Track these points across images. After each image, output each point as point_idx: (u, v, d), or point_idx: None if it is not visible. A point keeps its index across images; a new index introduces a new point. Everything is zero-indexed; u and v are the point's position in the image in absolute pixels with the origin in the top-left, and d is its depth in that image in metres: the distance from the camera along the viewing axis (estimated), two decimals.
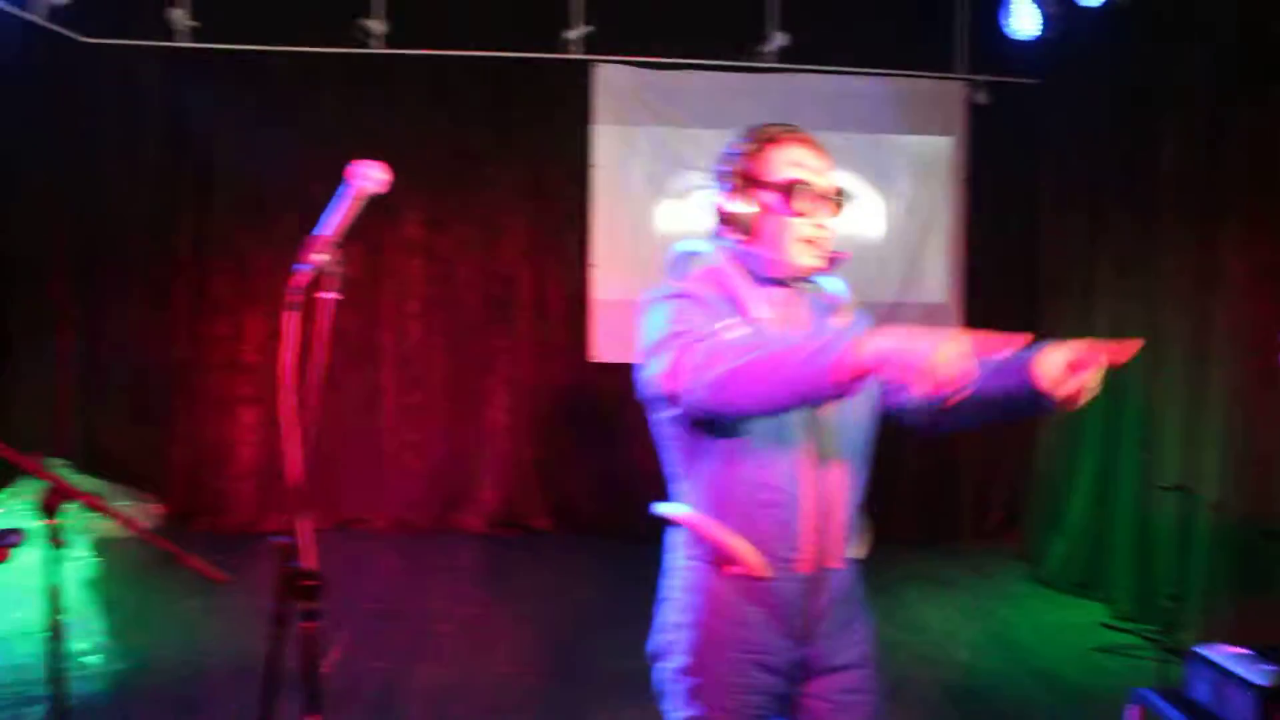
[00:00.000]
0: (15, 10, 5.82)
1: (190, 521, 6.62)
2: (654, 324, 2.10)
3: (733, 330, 2.04)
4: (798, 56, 6.72)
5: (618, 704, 4.15)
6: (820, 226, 2.18)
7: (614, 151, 6.77)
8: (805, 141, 2.23)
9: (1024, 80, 6.77)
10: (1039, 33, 6.15)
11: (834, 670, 2.22)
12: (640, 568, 6.02)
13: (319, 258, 1.99)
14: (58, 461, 5.95)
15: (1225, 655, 3.25)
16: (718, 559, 2.16)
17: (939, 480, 7.10)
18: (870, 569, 2.30)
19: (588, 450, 6.95)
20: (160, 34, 6.46)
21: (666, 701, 2.25)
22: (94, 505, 2.28)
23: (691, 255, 2.28)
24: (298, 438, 1.98)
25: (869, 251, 6.81)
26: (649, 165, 6.80)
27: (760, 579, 2.13)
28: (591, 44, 6.65)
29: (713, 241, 2.29)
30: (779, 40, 6.67)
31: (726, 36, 6.75)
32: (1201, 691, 3.31)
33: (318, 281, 2.00)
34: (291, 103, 6.68)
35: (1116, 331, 5.80)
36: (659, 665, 2.28)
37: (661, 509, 2.27)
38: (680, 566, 2.25)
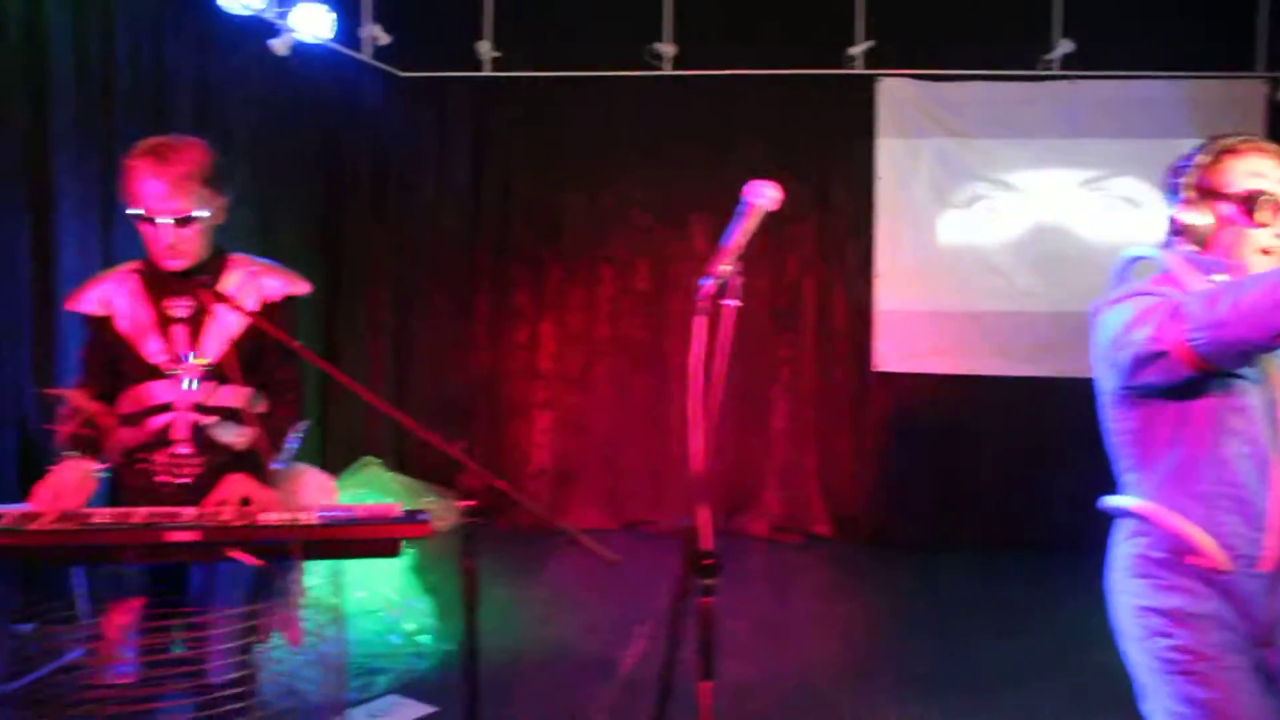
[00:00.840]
0: (347, 50, 6.42)
1: (490, 519, 7.07)
2: (1116, 320, 2.17)
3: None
4: (1083, 63, 6.69)
5: (909, 702, 4.28)
6: (1273, 238, 2.20)
7: (897, 163, 6.88)
8: (1265, 151, 2.25)
9: None
10: None
11: None
12: (925, 576, 6.18)
13: (724, 269, 2.18)
14: (373, 459, 6.52)
15: None
16: (1177, 550, 2.17)
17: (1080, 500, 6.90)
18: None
19: (868, 458, 7.08)
20: (469, 65, 6.98)
21: (1153, 688, 2.23)
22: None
23: (1141, 260, 2.34)
24: (702, 432, 2.20)
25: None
26: (932, 176, 6.88)
27: (1220, 572, 2.13)
28: (875, 58, 6.80)
29: (1164, 250, 2.34)
30: (1064, 47, 6.65)
31: (1009, 46, 6.76)
32: None
33: (722, 290, 2.20)
34: (586, 125, 7.08)
35: None
36: (1135, 655, 2.26)
37: (1111, 501, 2.31)
38: (1131, 557, 2.26)
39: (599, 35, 6.99)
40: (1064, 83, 6.76)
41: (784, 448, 7.16)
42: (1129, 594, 2.26)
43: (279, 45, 5.77)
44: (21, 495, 2.65)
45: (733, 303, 2.13)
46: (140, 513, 2.55)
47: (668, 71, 6.90)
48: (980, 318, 6.90)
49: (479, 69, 6.97)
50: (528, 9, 6.97)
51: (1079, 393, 6.80)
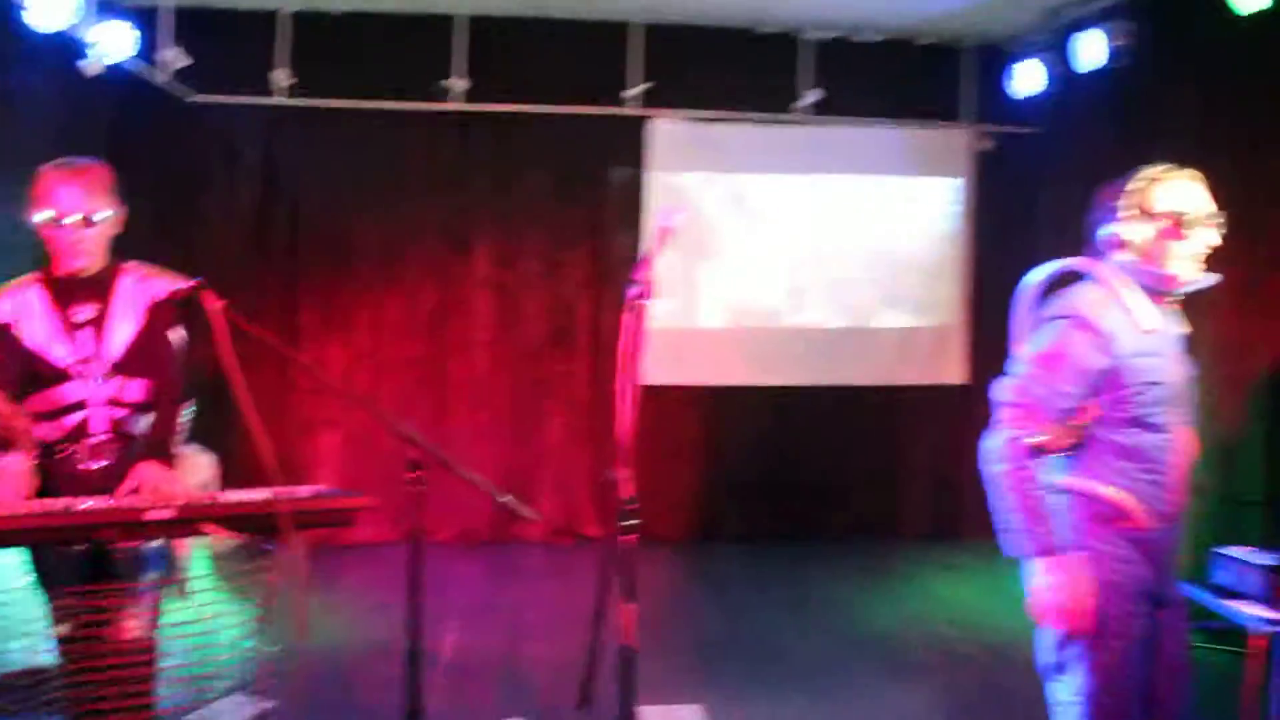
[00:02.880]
0: (143, 71, 6.52)
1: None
2: (1040, 340, 2.77)
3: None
4: (828, 110, 7.60)
5: (687, 670, 4.95)
6: (1203, 245, 2.75)
7: (665, 195, 7.57)
8: (1190, 177, 2.78)
9: (1026, 130, 7.72)
10: (1041, 89, 7.07)
11: (1172, 602, 2.81)
12: (690, 566, 6.84)
13: (642, 276, 2.72)
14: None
15: (1239, 551, 4.05)
16: (1109, 516, 2.72)
17: (946, 483, 7.97)
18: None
19: (636, 464, 7.68)
20: (263, 91, 7.18)
21: (1062, 646, 2.76)
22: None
23: (1078, 275, 2.84)
24: (628, 407, 2.73)
25: (890, 280, 7.69)
26: (696, 207, 7.61)
27: (1144, 529, 2.72)
28: (647, 99, 7.47)
29: (1100, 261, 2.83)
30: (811, 96, 7.55)
31: (765, 92, 7.61)
32: (1224, 578, 4.08)
33: (641, 293, 2.74)
34: (377, 154, 7.41)
35: None
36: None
37: (1051, 478, 2.78)
38: (1070, 525, 2.75)
39: (390, 69, 7.35)
40: (812, 126, 7.66)
41: (559, 457, 7.67)
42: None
43: (89, 66, 5.84)
44: None
45: (649, 301, 2.65)
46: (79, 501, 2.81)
47: (455, 106, 7.33)
48: (736, 333, 7.69)
49: (273, 96, 7.18)
50: (323, 41, 7.23)
51: (821, 399, 7.76)
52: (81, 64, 5.82)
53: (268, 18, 7.17)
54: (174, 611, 3.09)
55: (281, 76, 7.13)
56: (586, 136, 7.54)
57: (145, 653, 2.95)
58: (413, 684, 2.88)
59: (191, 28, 6.83)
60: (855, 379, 7.77)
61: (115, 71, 6.16)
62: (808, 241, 7.72)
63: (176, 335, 3.19)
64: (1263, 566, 3.44)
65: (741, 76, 7.58)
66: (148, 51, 6.54)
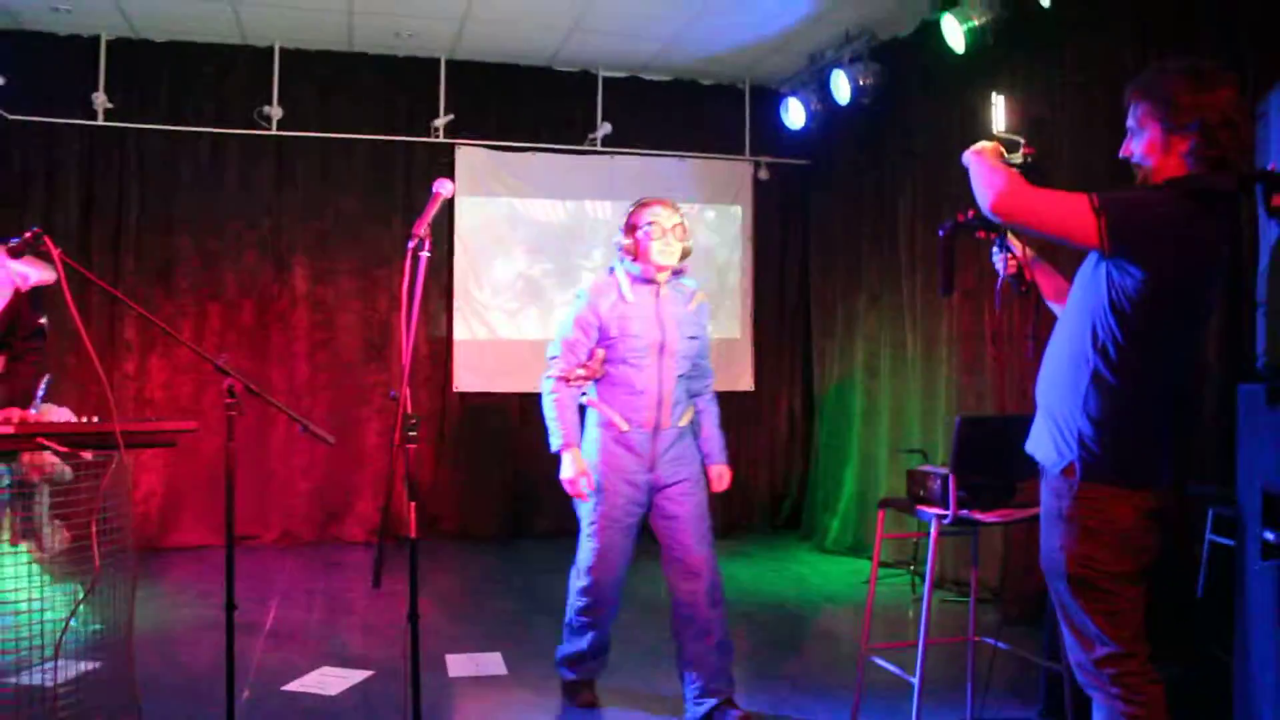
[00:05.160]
0: None
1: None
2: (566, 317, 4.23)
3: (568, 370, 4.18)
4: (619, 141, 8.39)
5: (500, 639, 5.47)
6: (668, 246, 4.14)
7: (472, 217, 8.22)
8: (660, 202, 4.23)
9: (796, 161, 8.67)
10: (804, 124, 7.99)
11: (671, 485, 4.18)
12: (502, 560, 7.40)
13: (417, 236, 3.36)
14: None
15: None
16: (606, 423, 4.18)
17: (741, 487, 8.73)
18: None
19: (448, 467, 8.27)
20: (83, 114, 7.56)
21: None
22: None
23: (598, 277, 4.36)
24: (409, 338, 3.35)
25: None
26: (499, 229, 8.26)
27: (625, 432, 4.14)
28: (454, 130, 8.14)
29: (614, 261, 4.28)
30: (604, 129, 8.32)
31: (563, 124, 8.38)
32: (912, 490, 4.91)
33: (417, 250, 3.38)
34: (196, 175, 7.83)
35: (871, 346, 7.65)
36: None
37: (583, 400, 4.23)
38: (594, 428, 4.23)
39: (212, 95, 7.83)
40: (604, 156, 8.43)
41: (376, 461, 8.17)
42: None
43: None
44: None
45: (424, 256, 3.29)
46: None
47: (273, 132, 7.84)
48: (534, 344, 8.33)
49: (94, 118, 7.55)
50: (142, 66, 7.66)
51: None
52: None
53: (89, 43, 7.57)
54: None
55: (100, 99, 7.50)
56: (399, 162, 8.15)
57: None
58: (229, 642, 3.31)
59: (10, 48, 7.20)
60: None
61: None
62: (605, 260, 8.43)
63: (32, 313, 3.66)
64: (940, 475, 4.18)
65: (540, 110, 8.37)
66: None
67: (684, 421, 4.29)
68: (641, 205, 4.21)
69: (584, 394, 4.24)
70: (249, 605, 5.58)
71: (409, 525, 3.30)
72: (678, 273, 4.28)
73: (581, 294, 4.22)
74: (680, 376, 4.22)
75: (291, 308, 8.05)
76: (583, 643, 4.36)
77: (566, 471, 4.09)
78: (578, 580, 4.30)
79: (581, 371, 4.15)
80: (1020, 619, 5.42)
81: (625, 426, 4.13)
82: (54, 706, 3.19)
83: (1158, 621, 2.86)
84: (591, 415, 4.25)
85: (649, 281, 4.18)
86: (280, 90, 7.85)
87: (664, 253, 4.12)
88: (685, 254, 4.25)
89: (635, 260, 4.16)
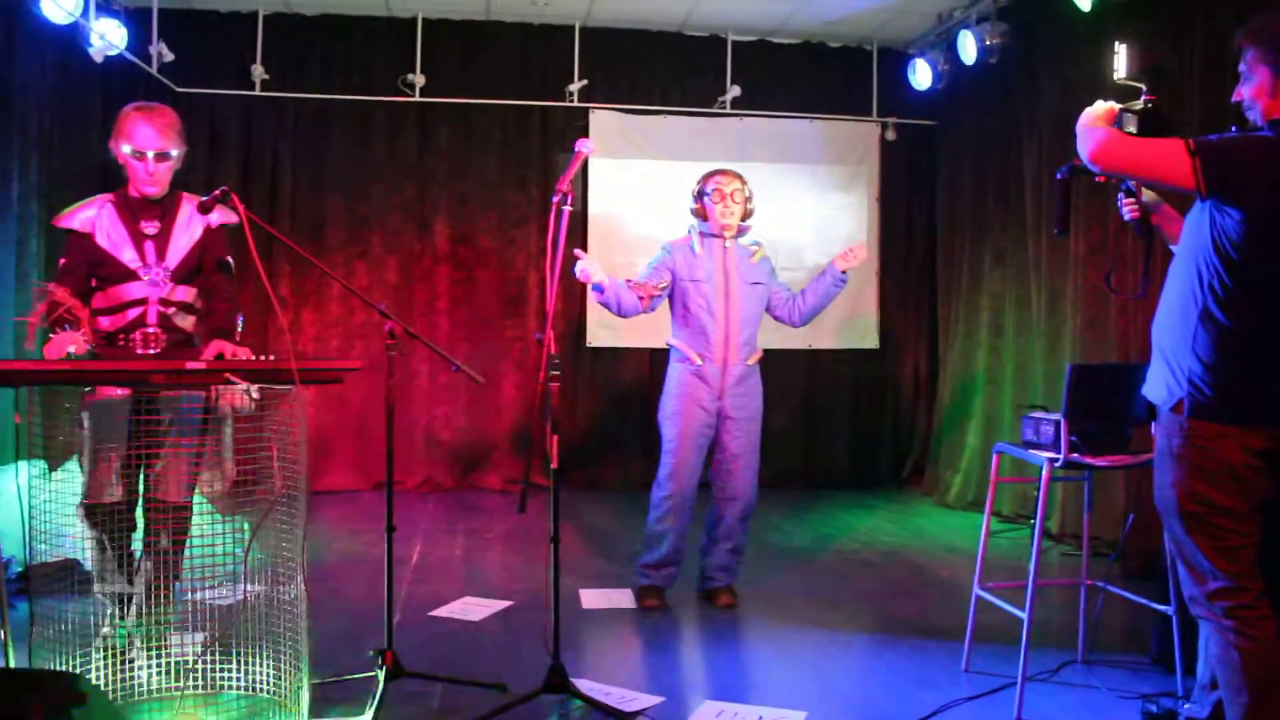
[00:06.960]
0: (137, 61, 7.36)
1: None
2: (653, 259, 5.13)
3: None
4: (748, 104, 8.57)
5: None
6: (728, 208, 5.01)
7: (605, 178, 8.50)
8: (722, 172, 5.10)
9: (923, 121, 8.75)
10: (930, 85, 8.06)
11: (735, 419, 5.00)
12: (629, 510, 7.70)
13: (561, 191, 3.65)
14: None
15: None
16: (682, 357, 5.01)
17: (867, 443, 8.93)
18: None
19: (582, 419, 8.60)
20: (242, 85, 8.07)
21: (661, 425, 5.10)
22: None
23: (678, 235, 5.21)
24: (554, 297, 3.65)
25: (813, 255, 8.61)
26: (632, 190, 8.52)
27: (699, 366, 4.95)
28: (588, 94, 8.43)
29: (691, 224, 5.16)
30: (734, 92, 8.51)
31: (693, 88, 8.60)
32: (1027, 434, 5.04)
33: (560, 205, 3.67)
34: (346, 142, 8.29)
35: (996, 305, 7.72)
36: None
37: (667, 341, 5.13)
38: (675, 364, 5.08)
39: (360, 65, 8.27)
40: (733, 119, 8.62)
41: (513, 413, 8.54)
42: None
43: (96, 53, 6.70)
44: None
45: (568, 209, 3.60)
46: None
47: (416, 99, 8.22)
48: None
49: (251, 89, 8.04)
50: (295, 39, 8.13)
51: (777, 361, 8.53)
52: (92, 51, 6.68)
53: (248, 19, 8.05)
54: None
55: (258, 71, 7.99)
56: (535, 127, 8.48)
57: (181, 519, 3.75)
58: (389, 557, 3.65)
59: (177, 27, 7.69)
60: (792, 344, 8.35)
61: (111, 61, 7.01)
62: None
63: (226, 254, 4.04)
64: (1053, 420, 4.29)
65: (670, 73, 8.60)
66: (137, 46, 7.39)
67: (752, 361, 5.06)
68: (707, 175, 5.09)
69: (667, 341, 5.15)
70: (396, 542, 5.92)
71: (554, 456, 3.58)
72: (742, 231, 5.10)
73: (665, 247, 5.12)
74: (748, 320, 5.01)
75: (434, 266, 8.45)
76: (659, 551, 5.07)
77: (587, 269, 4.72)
78: (658, 491, 5.07)
79: (647, 286, 4.93)
80: (1139, 573, 5.50)
81: (699, 360, 4.96)
82: (233, 623, 3.55)
83: (1273, 560, 2.94)
84: (673, 354, 5.08)
85: (716, 237, 5.03)
86: (423, 59, 8.22)
87: (725, 214, 5.00)
88: (746, 214, 5.08)
89: (704, 220, 5.06)
